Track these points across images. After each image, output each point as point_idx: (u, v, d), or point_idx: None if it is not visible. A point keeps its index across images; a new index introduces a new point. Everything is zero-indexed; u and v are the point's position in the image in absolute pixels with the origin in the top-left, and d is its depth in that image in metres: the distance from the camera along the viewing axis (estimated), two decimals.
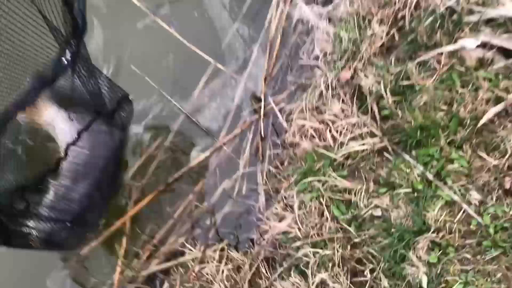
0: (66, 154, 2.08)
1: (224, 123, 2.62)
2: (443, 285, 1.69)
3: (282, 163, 2.26)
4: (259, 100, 2.58)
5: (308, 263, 1.93)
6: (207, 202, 2.47)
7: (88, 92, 1.90)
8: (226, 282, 2.09)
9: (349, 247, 1.92)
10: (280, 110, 2.41)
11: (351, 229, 1.93)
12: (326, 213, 1.99)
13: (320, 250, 1.93)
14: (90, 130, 2.14)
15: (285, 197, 2.13)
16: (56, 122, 2.14)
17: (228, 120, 2.62)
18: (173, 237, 2.44)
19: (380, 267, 1.81)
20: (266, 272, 2.11)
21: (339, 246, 1.92)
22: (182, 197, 2.51)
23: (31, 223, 1.99)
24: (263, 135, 2.51)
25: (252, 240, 2.33)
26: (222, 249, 2.20)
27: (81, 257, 2.44)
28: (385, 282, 1.78)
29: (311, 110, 2.17)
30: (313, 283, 1.87)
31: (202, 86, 2.68)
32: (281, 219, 2.09)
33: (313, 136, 2.13)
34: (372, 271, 1.84)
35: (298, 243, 1.98)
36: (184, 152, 2.59)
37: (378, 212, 1.88)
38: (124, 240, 2.42)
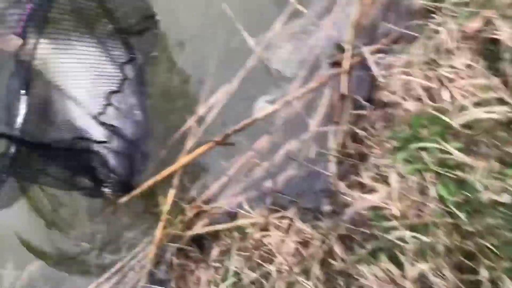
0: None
1: (298, 72, 2.22)
2: None
3: (372, 126, 1.86)
4: (344, 50, 2.17)
5: (403, 249, 1.56)
6: (268, 162, 2.10)
7: None
8: (292, 257, 1.73)
9: (457, 236, 1.53)
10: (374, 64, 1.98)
11: (462, 214, 1.54)
12: (430, 191, 1.60)
13: (420, 236, 1.54)
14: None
15: (376, 166, 1.74)
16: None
17: (303, 70, 2.22)
18: (226, 197, 2.08)
19: (501, 266, 1.43)
20: (341, 253, 1.74)
21: (444, 234, 1.54)
22: (240, 152, 2.15)
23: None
24: (344, 92, 2.11)
25: (319, 212, 1.96)
26: (288, 218, 1.84)
27: (118, 208, 2.11)
28: (509, 286, 1.39)
29: (420, 65, 1.75)
30: (409, 274, 1.50)
31: (279, 26, 2.28)
32: (370, 191, 1.71)
33: (421, 96, 1.72)
34: (489, 269, 1.45)
35: (391, 223, 1.60)
36: (249, 100, 2.21)
37: (505, 198, 1.48)
38: (171, 193, 2.08)
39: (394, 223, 1.60)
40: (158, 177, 2.05)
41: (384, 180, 1.70)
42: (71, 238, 2.13)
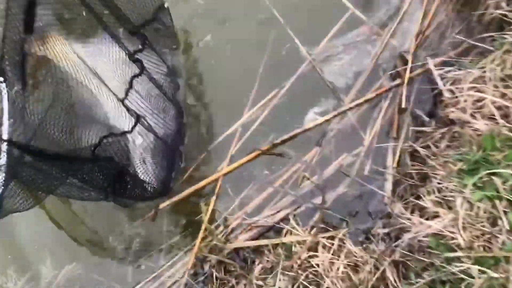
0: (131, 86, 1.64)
1: (354, 82, 2.10)
2: None
3: (436, 144, 1.71)
4: (406, 61, 2.03)
5: (469, 284, 1.40)
6: (317, 176, 1.98)
7: None
8: (340, 282, 1.60)
9: None
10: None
11: None
12: (502, 221, 1.44)
13: (488, 271, 1.38)
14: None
15: (439, 190, 1.59)
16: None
17: (360, 80, 2.09)
18: (271, 209, 1.98)
19: None
20: (395, 281, 1.60)
21: None
22: (288, 164, 2.04)
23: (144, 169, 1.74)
24: (403, 106, 1.97)
25: (371, 234, 1.82)
26: (338, 239, 1.71)
27: (157, 213, 2.04)
28: None
29: (495, 81, 1.59)
30: None
31: (334, 34, 2.16)
32: (432, 216, 1.56)
33: (494, 116, 1.56)
34: None
35: (455, 254, 1.45)
36: (299, 110, 2.10)
37: None
38: (212, 201, 1.99)
39: (459, 254, 1.44)
40: (200, 184, 1.97)
41: (448, 205, 1.55)
42: (109, 242, 2.07)
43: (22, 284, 2.04)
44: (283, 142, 2.04)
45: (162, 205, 2.02)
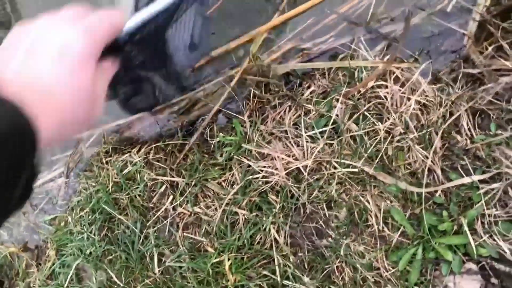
0: None
1: None
2: None
3: None
4: None
5: None
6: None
7: None
8: (408, 119, 1.37)
9: None
10: None
11: None
12: None
13: None
14: None
15: None
16: None
17: None
18: (329, 34, 1.67)
19: None
20: (469, 129, 1.38)
21: None
22: None
23: None
24: None
25: (443, 75, 1.55)
26: (411, 72, 1.44)
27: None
28: None
29: None
30: None
31: None
32: None
33: None
34: None
35: None
36: None
37: None
38: (266, 28, 1.67)
39: None
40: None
41: None
42: None
43: None
44: None
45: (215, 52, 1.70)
